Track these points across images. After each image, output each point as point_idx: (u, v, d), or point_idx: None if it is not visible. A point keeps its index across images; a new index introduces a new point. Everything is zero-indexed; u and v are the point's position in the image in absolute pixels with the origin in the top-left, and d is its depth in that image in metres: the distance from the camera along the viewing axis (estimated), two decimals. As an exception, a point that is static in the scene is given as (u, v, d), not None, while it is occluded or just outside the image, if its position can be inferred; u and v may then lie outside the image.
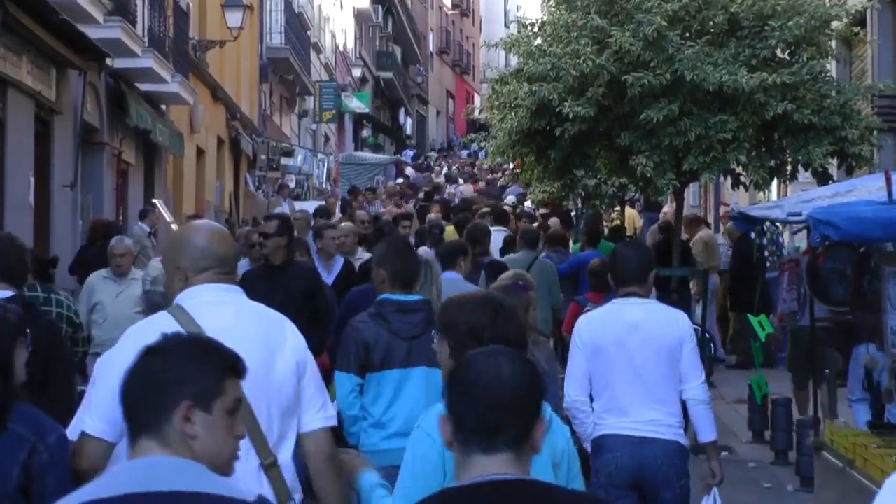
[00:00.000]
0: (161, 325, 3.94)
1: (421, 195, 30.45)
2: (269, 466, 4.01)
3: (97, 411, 4.06)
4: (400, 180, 36.81)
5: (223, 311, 4.12)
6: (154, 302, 9.75)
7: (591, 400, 6.58)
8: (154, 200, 20.65)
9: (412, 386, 6.36)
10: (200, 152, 25.67)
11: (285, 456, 4.17)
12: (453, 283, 8.45)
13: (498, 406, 2.85)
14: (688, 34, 14.79)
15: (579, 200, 20.92)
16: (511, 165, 27.18)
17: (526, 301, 6.63)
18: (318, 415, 4.28)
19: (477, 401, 2.87)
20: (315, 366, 4.35)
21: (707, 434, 6.58)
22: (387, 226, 15.04)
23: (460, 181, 36.41)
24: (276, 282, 9.15)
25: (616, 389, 6.48)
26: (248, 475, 3.85)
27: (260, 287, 8.26)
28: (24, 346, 4.42)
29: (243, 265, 10.67)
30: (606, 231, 20.20)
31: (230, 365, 2.99)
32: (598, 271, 10.96)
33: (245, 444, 3.76)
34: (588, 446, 6.53)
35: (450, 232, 15.61)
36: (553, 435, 3.98)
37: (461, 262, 9.05)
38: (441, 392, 5.83)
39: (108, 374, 3.97)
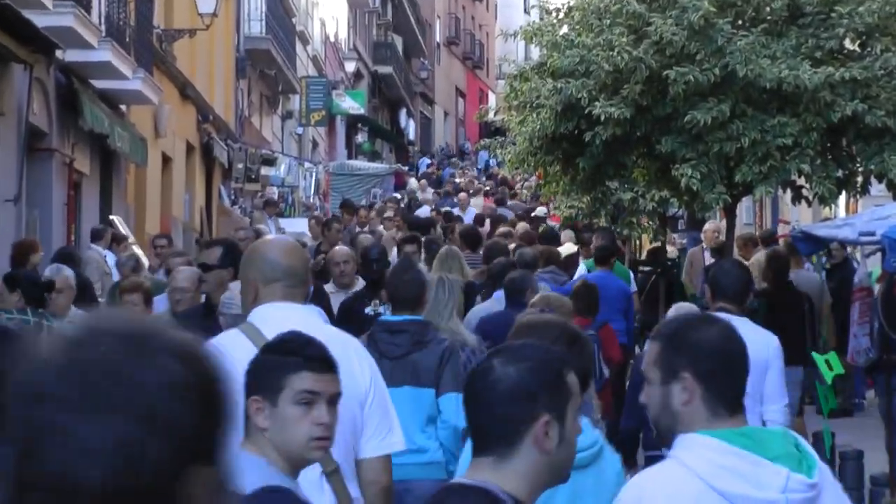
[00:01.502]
0: (232, 342, 4.82)
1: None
2: (331, 473, 4.63)
3: None
4: (397, 195, 36.75)
5: (288, 328, 4.71)
6: None
7: None
8: (112, 217, 20.67)
9: (396, 406, 7.01)
10: (166, 160, 25.71)
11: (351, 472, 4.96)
12: None
13: (483, 408, 3.38)
14: (740, 22, 14.82)
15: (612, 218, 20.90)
16: (532, 177, 27.19)
17: None
18: (378, 441, 5.04)
19: (468, 402, 3.45)
20: (383, 391, 5.12)
21: None
22: (374, 250, 13.41)
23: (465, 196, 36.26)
24: (219, 328, 7.80)
25: None
26: (310, 483, 4.48)
27: (196, 334, 7.52)
28: None
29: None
30: (645, 253, 20.20)
31: (299, 360, 3.94)
32: (581, 294, 11.42)
33: None
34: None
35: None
36: (602, 463, 4.54)
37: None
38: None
39: None
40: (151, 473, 1.80)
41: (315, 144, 46.09)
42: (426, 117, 67.95)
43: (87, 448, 1.78)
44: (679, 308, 8.85)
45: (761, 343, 7.36)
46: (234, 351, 4.73)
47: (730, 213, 16.23)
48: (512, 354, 3.45)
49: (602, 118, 14.16)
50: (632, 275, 16.92)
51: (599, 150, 14.72)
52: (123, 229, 19.84)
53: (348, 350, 4.98)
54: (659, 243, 20.39)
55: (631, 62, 14.10)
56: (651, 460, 9.57)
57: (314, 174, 38.61)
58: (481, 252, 14.84)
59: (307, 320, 4.91)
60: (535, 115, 15.20)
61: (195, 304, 9.25)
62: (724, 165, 14.37)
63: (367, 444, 5.02)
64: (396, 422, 5.15)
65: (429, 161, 55.47)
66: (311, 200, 37.10)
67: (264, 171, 33.32)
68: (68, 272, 10.19)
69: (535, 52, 17.45)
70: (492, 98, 67.42)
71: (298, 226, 26.39)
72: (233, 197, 31.93)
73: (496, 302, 10.98)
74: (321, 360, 3.98)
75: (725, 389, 3.66)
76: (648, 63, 14.10)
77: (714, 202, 14.58)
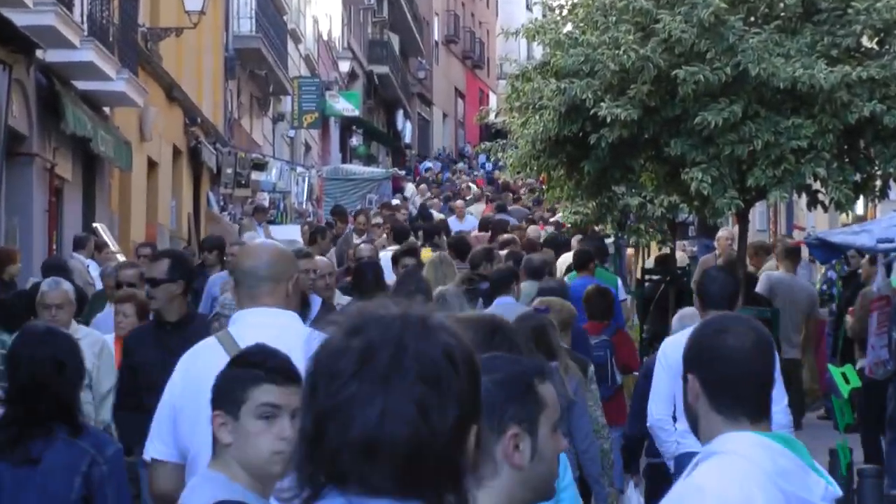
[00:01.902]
0: (208, 350, 5.14)
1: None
2: None
3: (157, 435, 5.20)
4: (396, 200, 36.79)
5: (263, 335, 4.75)
6: None
7: (675, 420, 8.03)
8: (95, 225, 20.65)
9: None
10: (152, 165, 25.71)
11: None
12: (508, 307, 10.14)
13: None
14: (753, 19, 14.80)
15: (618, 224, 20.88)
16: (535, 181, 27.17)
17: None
18: None
19: None
20: None
21: None
22: (368, 266, 12.43)
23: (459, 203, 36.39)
24: (172, 347, 7.23)
25: None
26: None
27: (148, 354, 7.64)
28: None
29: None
30: (653, 262, 20.17)
31: (260, 373, 4.01)
32: (594, 299, 11.84)
33: None
34: (671, 465, 8.11)
35: (426, 254, 15.84)
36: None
37: (514, 286, 11.06)
38: None
39: (164, 400, 5.22)
40: (446, 431, 2.21)
41: (308, 148, 46.09)
42: (424, 119, 67.97)
43: (390, 411, 2.19)
44: (683, 313, 8.97)
45: None
46: (209, 360, 4.89)
47: (742, 219, 16.19)
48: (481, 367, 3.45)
49: (608, 120, 14.13)
50: (619, 281, 16.87)
51: (605, 153, 14.68)
52: (107, 237, 19.82)
53: None
54: (668, 250, 20.38)
55: (638, 61, 14.07)
56: (653, 467, 9.69)
57: (307, 179, 38.58)
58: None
59: (282, 324, 5.17)
60: (537, 117, 15.17)
61: (144, 323, 9.17)
62: (736, 169, 14.33)
63: None
64: None
65: (429, 165, 55.46)
66: (304, 206, 37.09)
67: (254, 175, 33.30)
68: (67, 286, 9.81)
69: (538, 51, 17.45)
70: (492, 99, 67.45)
71: (290, 233, 26.35)
72: (222, 203, 31.92)
73: (499, 308, 10.97)
74: (283, 373, 4.03)
75: (740, 397, 3.81)
76: (656, 62, 14.07)
77: (726, 207, 14.54)
